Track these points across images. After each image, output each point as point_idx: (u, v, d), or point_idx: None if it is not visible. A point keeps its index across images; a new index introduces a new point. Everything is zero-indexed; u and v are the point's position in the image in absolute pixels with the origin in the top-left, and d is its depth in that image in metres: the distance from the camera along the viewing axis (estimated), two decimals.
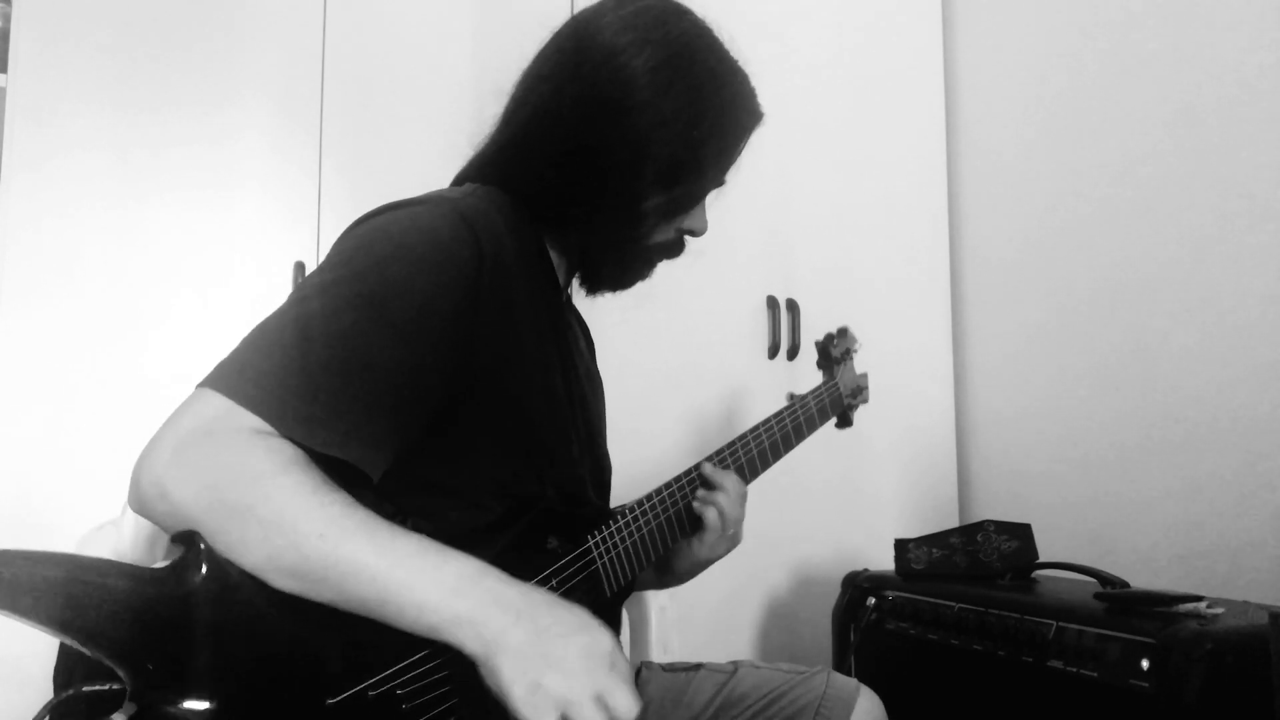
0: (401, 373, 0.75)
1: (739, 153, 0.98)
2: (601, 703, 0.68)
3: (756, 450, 1.15)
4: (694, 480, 1.07)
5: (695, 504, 1.05)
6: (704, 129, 0.92)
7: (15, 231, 1.33)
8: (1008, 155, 2.20)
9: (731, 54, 0.96)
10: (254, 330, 0.74)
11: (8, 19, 1.38)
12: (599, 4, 0.95)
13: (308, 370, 0.71)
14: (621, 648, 0.73)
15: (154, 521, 0.68)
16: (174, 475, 0.66)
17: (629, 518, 0.98)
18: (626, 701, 0.68)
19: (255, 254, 1.46)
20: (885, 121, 2.18)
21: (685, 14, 0.95)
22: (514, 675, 0.66)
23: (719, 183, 0.99)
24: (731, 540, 1.08)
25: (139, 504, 0.68)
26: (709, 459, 1.10)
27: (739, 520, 1.07)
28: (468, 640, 0.67)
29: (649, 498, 1.02)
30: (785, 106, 2.00)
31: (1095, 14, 2.01)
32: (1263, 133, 1.69)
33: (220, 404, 0.68)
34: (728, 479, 1.06)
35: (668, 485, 1.05)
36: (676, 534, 1.05)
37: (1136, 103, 1.91)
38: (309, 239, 1.49)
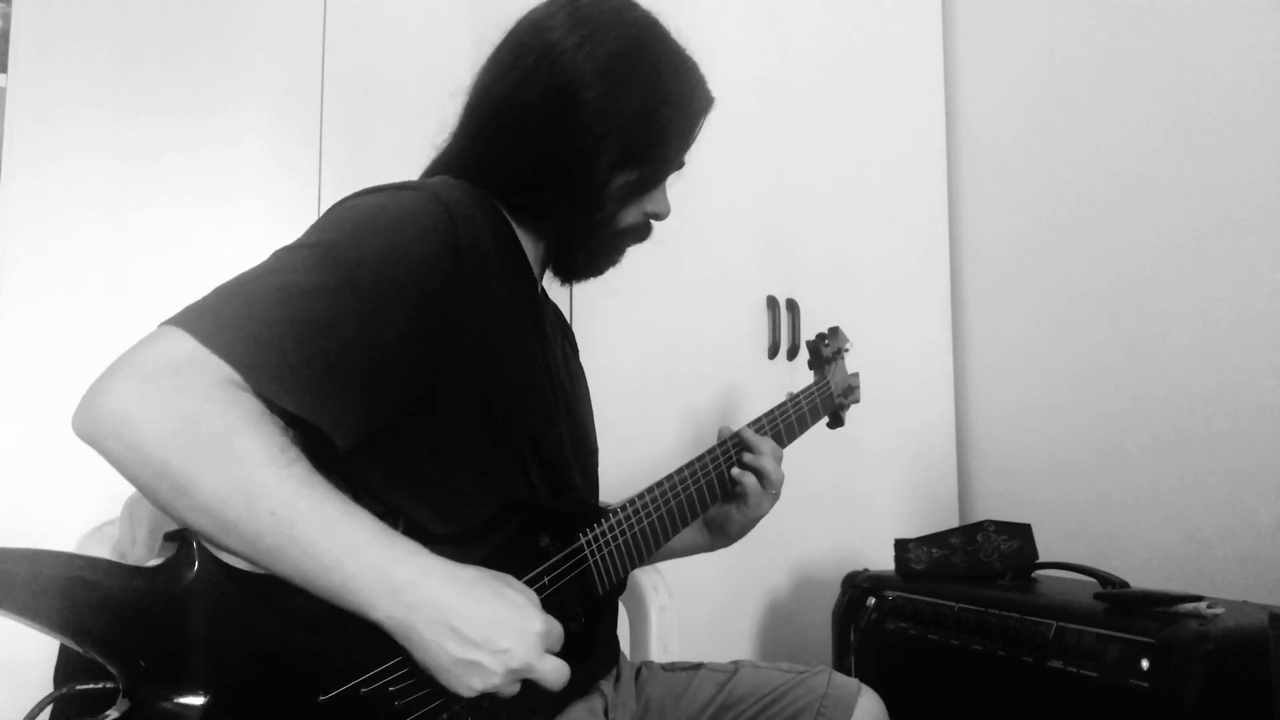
0: (366, 342, 0.75)
1: (696, 135, 1.02)
2: (529, 682, 0.74)
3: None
4: (729, 449, 1.13)
5: (735, 470, 1.12)
6: (664, 113, 0.96)
7: (15, 233, 1.32)
8: (1008, 154, 2.20)
9: (679, 42, 1.00)
10: (225, 282, 0.74)
11: (8, 19, 1.38)
12: (549, 2, 0.99)
13: (275, 325, 0.71)
14: (544, 615, 0.75)
15: (101, 453, 0.66)
16: (137, 412, 0.64)
17: (620, 516, 0.98)
18: (552, 671, 0.74)
19: (255, 255, 1.46)
20: (885, 121, 2.19)
21: (634, 7, 0.99)
22: (444, 678, 0.71)
23: (679, 164, 1.03)
24: (774, 498, 1.15)
25: (90, 431, 0.65)
26: (708, 452, 1.12)
27: (781, 480, 1.14)
28: (401, 639, 0.70)
29: (647, 492, 1.03)
30: (785, 106, 2.01)
31: (1095, 12, 2.01)
32: (1262, 131, 1.69)
33: (188, 344, 0.67)
34: (765, 443, 1.14)
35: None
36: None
37: (1137, 102, 1.91)
38: None
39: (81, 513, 1.07)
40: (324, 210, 0.88)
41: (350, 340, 0.74)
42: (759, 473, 1.12)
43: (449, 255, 0.82)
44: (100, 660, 0.61)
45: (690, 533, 1.15)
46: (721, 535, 1.18)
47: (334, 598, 0.68)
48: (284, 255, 0.78)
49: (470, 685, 0.70)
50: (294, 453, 0.68)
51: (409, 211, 0.82)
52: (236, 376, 0.67)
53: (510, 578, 0.77)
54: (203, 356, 0.67)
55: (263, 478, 0.66)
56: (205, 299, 0.72)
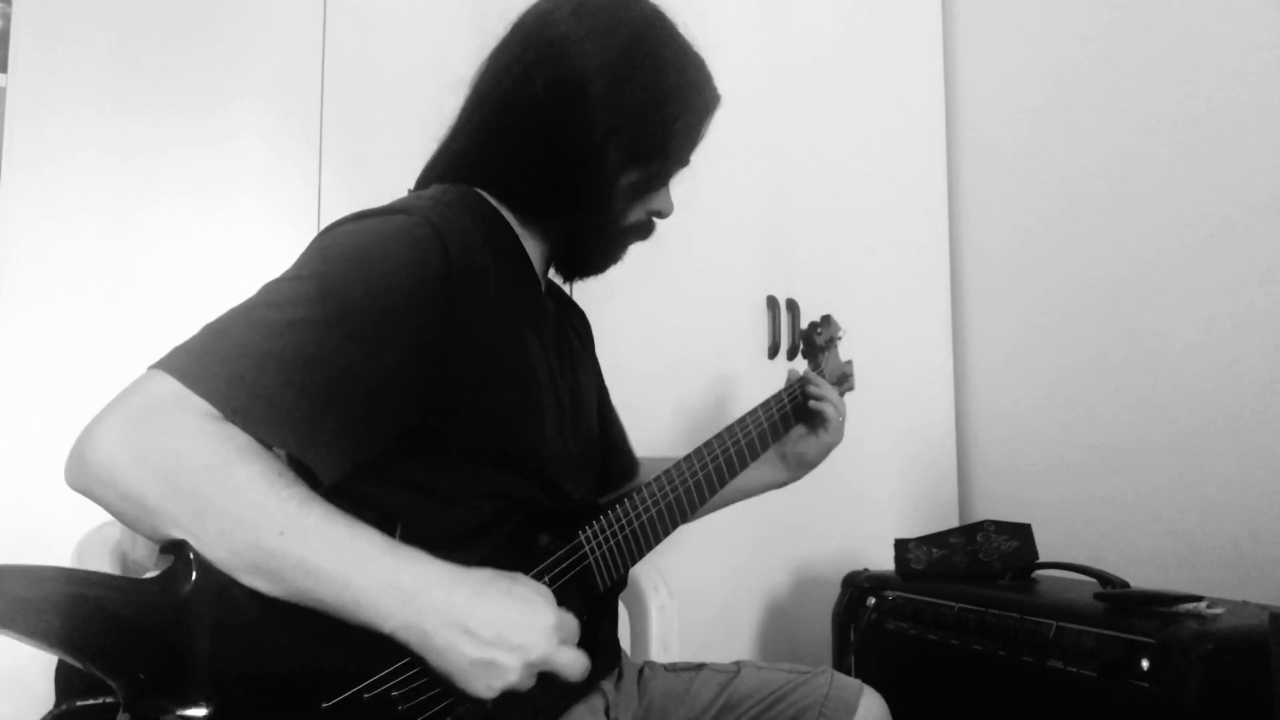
0: (355, 376, 0.74)
1: (703, 133, 1.01)
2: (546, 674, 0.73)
3: (745, 441, 1.15)
4: (793, 394, 1.22)
5: (812, 403, 1.22)
6: (672, 109, 0.95)
7: (15, 233, 1.32)
8: (1008, 153, 2.20)
9: (687, 38, 0.99)
10: (212, 320, 0.74)
11: (8, 19, 1.38)
12: None
13: (260, 362, 0.70)
14: (556, 608, 0.74)
15: (99, 504, 0.65)
16: (124, 456, 0.64)
17: (619, 511, 0.98)
18: (570, 662, 0.73)
19: (255, 256, 1.46)
20: (885, 120, 2.19)
21: (640, 1, 0.97)
22: (464, 681, 0.70)
23: (684, 162, 1.02)
24: (839, 431, 1.24)
25: (81, 482, 0.65)
26: (714, 439, 1.13)
27: (844, 412, 1.24)
28: (416, 646, 0.69)
29: (645, 488, 1.02)
30: (785, 105, 2.01)
31: (1096, 10, 2.01)
32: (1262, 129, 1.69)
33: (171, 385, 0.66)
34: (824, 383, 1.23)
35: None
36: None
37: (1136, 99, 1.91)
38: (309, 241, 1.49)
39: (81, 513, 1.06)
40: (318, 230, 0.86)
41: (339, 375, 0.73)
42: (833, 404, 1.21)
43: (440, 281, 0.80)
44: (99, 675, 0.61)
45: (765, 469, 1.24)
46: (801, 466, 1.26)
47: (346, 613, 0.67)
48: (272, 289, 0.77)
49: (490, 685, 0.70)
50: (291, 475, 0.68)
51: (398, 239, 0.81)
52: (216, 412, 0.67)
53: (520, 575, 0.76)
54: (187, 397, 0.66)
55: (265, 497, 0.65)
56: (192, 339, 0.71)
